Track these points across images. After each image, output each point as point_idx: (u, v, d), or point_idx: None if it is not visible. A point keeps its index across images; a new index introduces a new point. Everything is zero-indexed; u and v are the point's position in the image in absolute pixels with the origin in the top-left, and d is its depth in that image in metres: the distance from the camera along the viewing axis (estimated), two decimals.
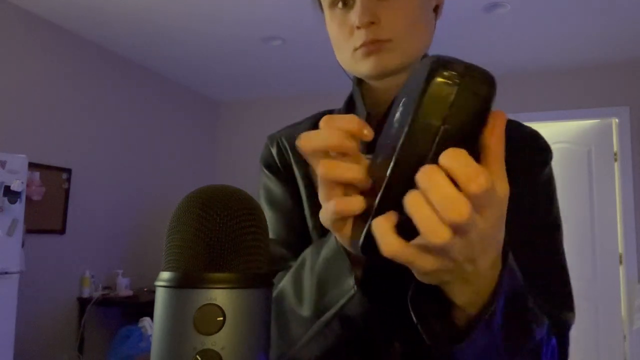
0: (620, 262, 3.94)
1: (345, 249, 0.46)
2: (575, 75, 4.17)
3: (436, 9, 0.69)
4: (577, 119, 4.15)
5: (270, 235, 0.67)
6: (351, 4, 0.62)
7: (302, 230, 0.66)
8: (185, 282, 0.30)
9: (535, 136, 0.67)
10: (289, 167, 0.72)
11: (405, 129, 0.32)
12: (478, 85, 0.35)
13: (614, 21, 3.26)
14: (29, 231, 3.10)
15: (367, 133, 0.38)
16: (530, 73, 4.28)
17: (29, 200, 3.12)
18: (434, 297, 0.41)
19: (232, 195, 0.32)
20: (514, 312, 0.41)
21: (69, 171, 3.55)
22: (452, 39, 3.56)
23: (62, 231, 3.49)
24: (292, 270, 0.55)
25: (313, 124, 0.75)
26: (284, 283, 0.55)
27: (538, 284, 0.53)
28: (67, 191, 3.53)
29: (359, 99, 0.68)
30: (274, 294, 0.55)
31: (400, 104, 0.36)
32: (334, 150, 0.38)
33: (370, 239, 0.34)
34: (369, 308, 0.52)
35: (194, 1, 3.12)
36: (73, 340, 3.56)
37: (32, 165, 3.21)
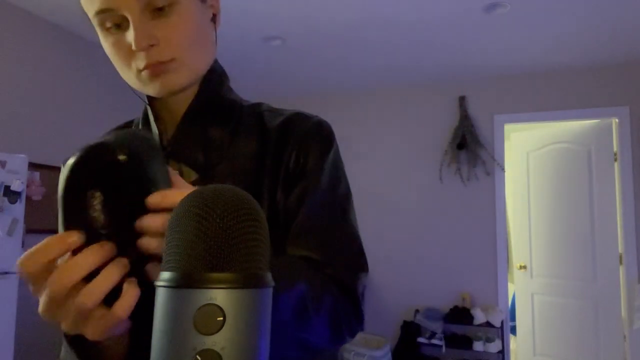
0: (620, 262, 3.93)
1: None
2: (575, 75, 4.17)
3: (214, 18, 0.69)
4: (577, 119, 4.15)
5: None
6: (125, 25, 0.59)
7: None
8: (185, 282, 0.30)
9: (318, 125, 0.70)
10: None
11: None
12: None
13: (613, 21, 3.26)
14: (29, 231, 3.10)
15: (72, 241, 0.42)
16: (530, 73, 4.28)
17: (29, 200, 3.12)
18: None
19: (232, 196, 0.32)
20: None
21: None
22: (452, 39, 3.56)
23: None
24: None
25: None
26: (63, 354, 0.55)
27: (331, 250, 0.63)
28: None
29: (151, 117, 0.69)
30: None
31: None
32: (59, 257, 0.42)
33: None
34: None
35: None
36: None
37: (32, 165, 3.21)
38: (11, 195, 2.66)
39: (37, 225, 3.27)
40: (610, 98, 4.05)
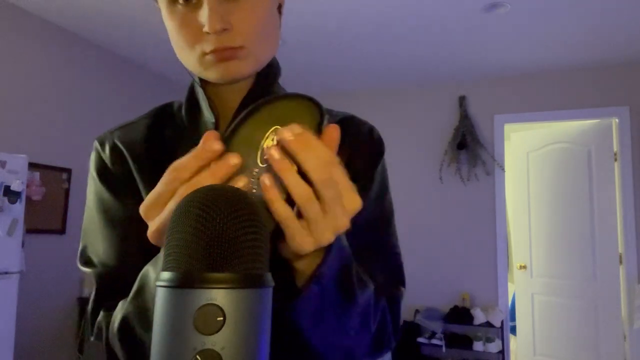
0: (620, 262, 3.94)
1: None
2: (575, 75, 4.17)
3: (280, 9, 0.66)
4: (577, 119, 4.16)
5: (106, 257, 0.62)
6: (196, 2, 0.56)
7: (139, 249, 0.60)
8: (185, 282, 0.30)
9: (371, 130, 0.69)
10: (127, 174, 0.65)
11: None
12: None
13: (614, 21, 3.26)
14: (29, 231, 3.10)
15: (217, 148, 0.41)
16: (530, 73, 4.28)
17: (29, 200, 3.12)
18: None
19: (232, 195, 0.32)
20: (341, 276, 0.48)
21: (69, 171, 3.55)
22: (452, 39, 3.56)
23: (62, 231, 3.49)
24: (132, 296, 0.51)
25: (150, 121, 0.69)
26: (126, 311, 0.51)
27: (375, 262, 0.62)
28: (67, 191, 3.53)
29: (205, 103, 0.65)
30: (116, 324, 0.53)
31: (273, 131, 0.43)
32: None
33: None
34: None
35: None
36: (73, 340, 3.56)
37: (32, 165, 3.21)
38: (11, 195, 2.66)
39: (37, 225, 3.27)
40: (610, 98, 4.05)
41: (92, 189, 0.66)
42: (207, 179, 0.40)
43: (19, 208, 2.70)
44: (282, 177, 0.39)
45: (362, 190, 0.62)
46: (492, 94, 4.40)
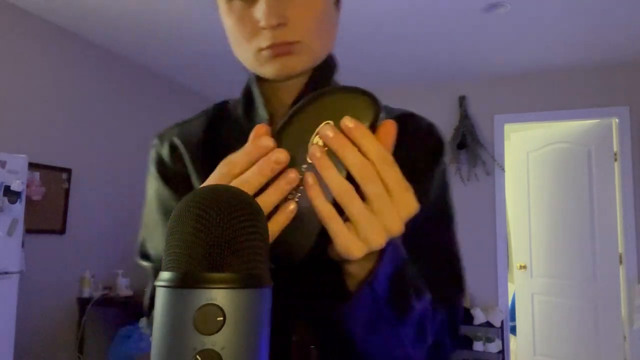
0: (620, 262, 3.94)
1: None
2: (575, 75, 4.17)
3: (337, 3, 0.64)
4: (577, 119, 4.16)
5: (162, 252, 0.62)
6: None
7: None
8: (185, 282, 0.30)
9: (431, 127, 0.66)
10: (184, 171, 0.65)
11: None
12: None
13: (614, 21, 3.26)
14: (29, 231, 3.10)
15: (267, 144, 0.41)
16: (531, 73, 4.28)
17: (29, 200, 3.12)
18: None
19: (232, 195, 0.32)
20: (395, 281, 0.46)
21: (69, 171, 3.55)
22: (452, 38, 3.56)
23: (62, 231, 3.49)
24: None
25: (207, 119, 0.69)
26: None
27: (434, 269, 0.59)
28: (67, 191, 3.53)
29: (259, 99, 0.64)
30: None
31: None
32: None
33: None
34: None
35: (195, 1, 3.12)
36: (73, 340, 3.56)
37: (32, 165, 3.21)
38: (11, 195, 2.66)
39: (37, 225, 3.27)
40: (610, 98, 4.05)
41: (150, 184, 0.68)
42: (254, 175, 0.40)
43: (19, 208, 2.70)
44: (321, 175, 0.39)
45: (421, 191, 0.58)
46: (492, 94, 4.40)
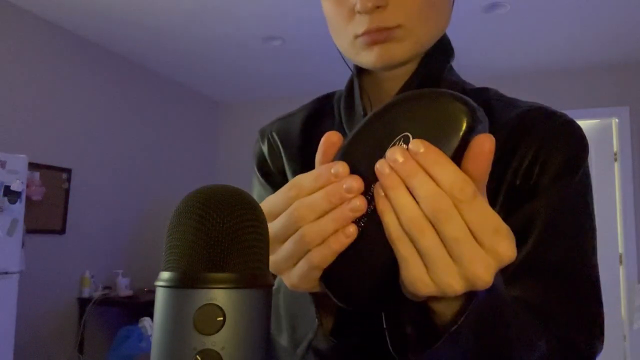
0: (620, 262, 3.94)
1: None
2: (575, 75, 4.17)
3: None
4: (577, 119, 4.15)
5: None
6: None
7: None
8: (185, 282, 0.30)
9: (569, 125, 0.53)
10: (281, 167, 0.62)
11: None
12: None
13: (614, 21, 3.26)
14: (29, 231, 3.10)
15: (338, 172, 0.35)
16: (530, 73, 4.28)
17: (29, 200, 3.12)
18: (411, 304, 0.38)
19: (232, 195, 0.32)
20: (488, 332, 0.37)
21: (69, 171, 3.55)
22: (452, 39, 3.56)
23: (62, 231, 3.49)
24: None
25: (308, 113, 0.65)
26: None
27: (564, 299, 0.48)
28: (67, 191, 3.53)
29: (357, 92, 0.58)
30: None
31: (401, 139, 0.34)
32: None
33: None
34: (335, 343, 0.44)
35: (195, 1, 3.12)
36: (73, 340, 3.56)
37: (32, 165, 3.21)
38: (11, 195, 2.66)
39: (37, 225, 3.27)
40: (610, 98, 4.05)
41: (253, 183, 0.65)
42: (320, 201, 0.34)
43: (19, 208, 2.70)
44: (388, 196, 0.31)
45: (552, 204, 0.49)
46: None
